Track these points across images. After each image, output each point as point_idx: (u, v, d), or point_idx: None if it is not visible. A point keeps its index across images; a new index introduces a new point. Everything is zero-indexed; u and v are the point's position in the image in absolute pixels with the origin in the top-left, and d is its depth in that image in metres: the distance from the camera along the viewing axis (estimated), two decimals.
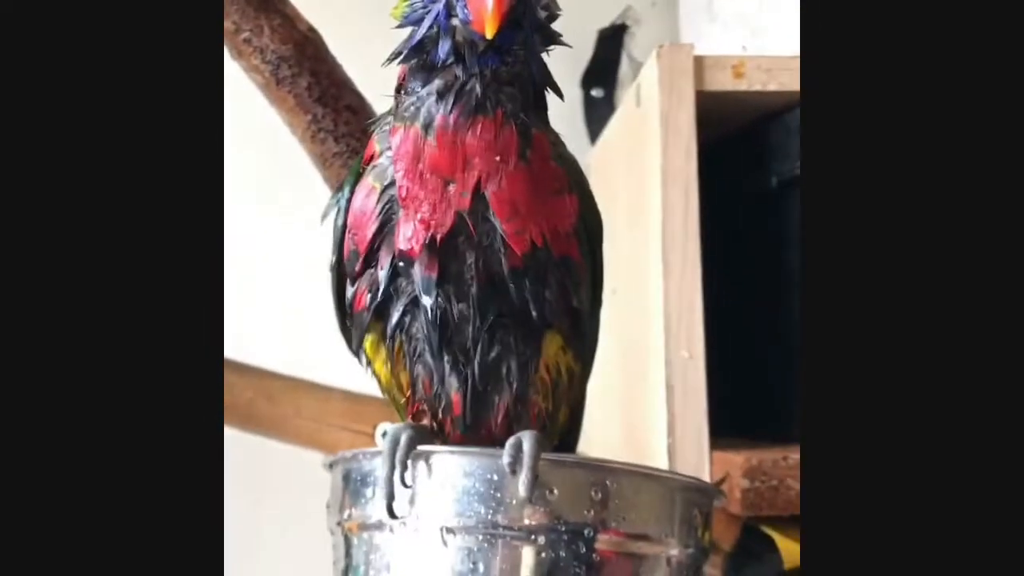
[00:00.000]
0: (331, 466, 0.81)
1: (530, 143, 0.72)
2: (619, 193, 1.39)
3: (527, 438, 0.69)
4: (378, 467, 0.73)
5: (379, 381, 0.80)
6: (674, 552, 0.73)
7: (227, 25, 1.07)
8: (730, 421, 1.16)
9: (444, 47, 0.71)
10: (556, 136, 0.77)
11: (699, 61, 1.19)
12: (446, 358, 0.74)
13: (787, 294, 1.23)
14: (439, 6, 0.72)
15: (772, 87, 1.20)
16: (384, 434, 1.20)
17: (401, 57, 0.75)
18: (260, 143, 1.45)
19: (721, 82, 1.20)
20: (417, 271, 0.72)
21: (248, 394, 1.19)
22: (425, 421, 0.77)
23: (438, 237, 0.71)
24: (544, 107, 0.76)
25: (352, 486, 0.75)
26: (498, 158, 0.71)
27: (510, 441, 0.69)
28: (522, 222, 0.72)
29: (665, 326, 1.13)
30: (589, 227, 0.78)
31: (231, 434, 1.26)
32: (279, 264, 1.82)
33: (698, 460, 1.09)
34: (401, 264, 0.73)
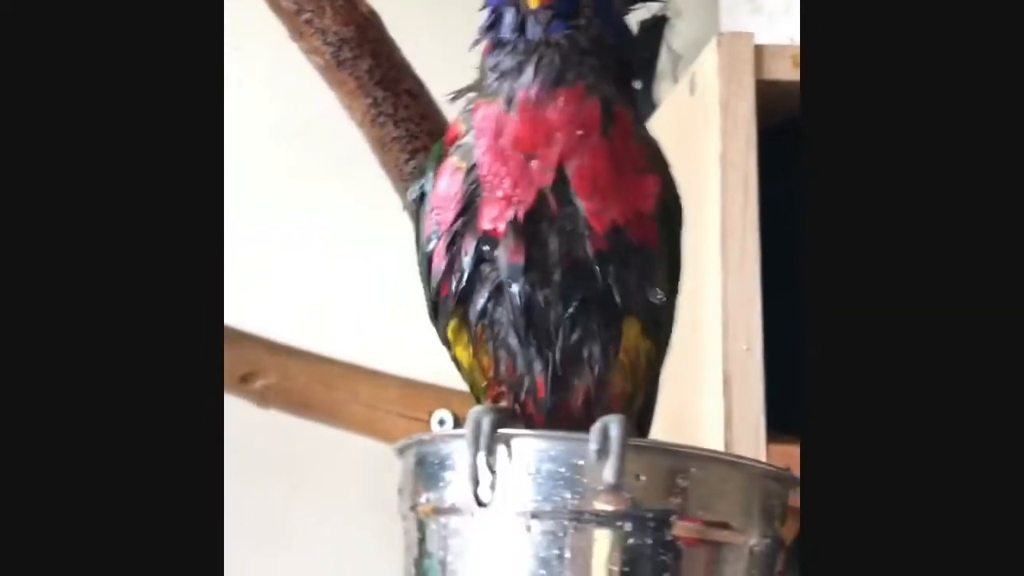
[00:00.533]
0: (402, 451, 0.80)
1: (612, 119, 0.71)
2: None
3: (614, 423, 0.68)
4: (457, 451, 0.72)
5: (460, 365, 0.80)
6: (754, 542, 0.73)
7: (288, 5, 1.07)
8: (783, 416, 1.15)
9: (508, 20, 0.71)
10: (638, 115, 0.76)
11: (759, 50, 1.18)
12: (531, 342, 0.73)
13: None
14: None
15: None
16: (441, 421, 1.20)
17: (476, 38, 0.75)
18: (320, 131, 1.45)
19: (781, 71, 1.19)
20: (503, 257, 0.72)
21: (303, 379, 1.19)
22: (505, 403, 0.77)
23: (520, 214, 0.70)
24: (628, 81, 0.75)
25: (429, 470, 0.74)
26: (580, 132, 0.70)
27: (596, 426, 0.68)
28: (603, 200, 0.71)
29: (723, 318, 1.12)
30: (670, 212, 0.77)
31: (265, 420, 1.27)
32: (336, 251, 1.83)
33: (755, 454, 1.08)
34: (486, 248, 0.72)
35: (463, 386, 1.15)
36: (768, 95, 1.18)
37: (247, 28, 1.35)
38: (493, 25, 0.73)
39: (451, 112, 1.22)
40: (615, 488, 0.67)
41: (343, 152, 1.36)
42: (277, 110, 1.78)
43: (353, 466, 1.64)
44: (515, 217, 0.71)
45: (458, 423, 1.21)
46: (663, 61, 2.06)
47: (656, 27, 2.07)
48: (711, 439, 1.11)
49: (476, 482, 0.69)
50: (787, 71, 1.18)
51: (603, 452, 0.67)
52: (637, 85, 2.30)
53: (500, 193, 0.71)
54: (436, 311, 0.78)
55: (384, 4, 1.14)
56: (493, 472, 0.69)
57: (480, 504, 0.69)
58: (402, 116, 1.09)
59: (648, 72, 2.09)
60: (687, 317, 1.26)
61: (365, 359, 1.25)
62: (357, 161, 1.22)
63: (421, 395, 1.17)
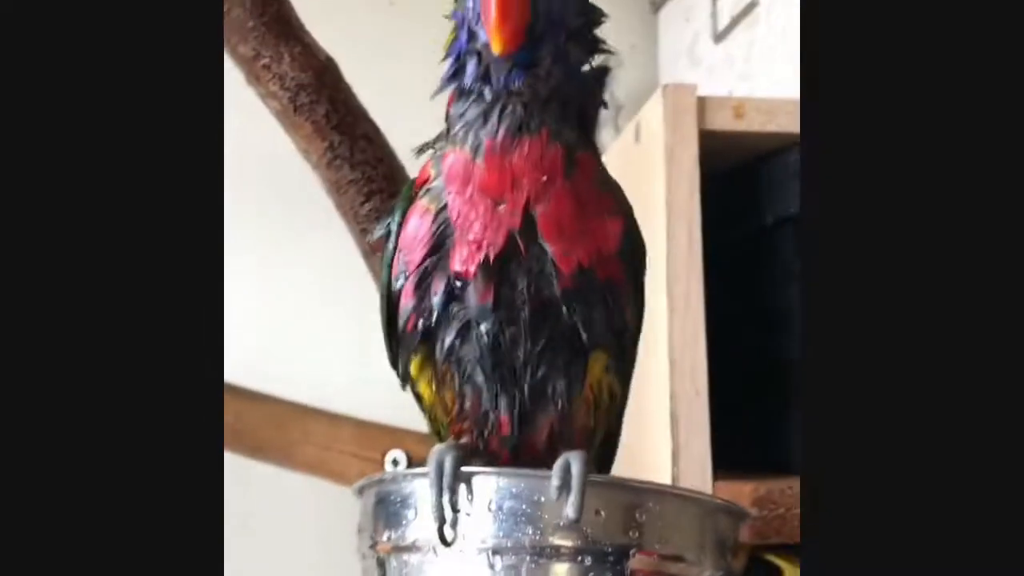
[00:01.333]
0: (362, 490, 0.80)
1: (575, 164, 0.73)
2: None
3: (575, 459, 0.70)
4: (418, 489, 0.73)
5: (421, 401, 0.81)
6: (708, 574, 0.74)
7: (246, 51, 1.08)
8: (726, 455, 1.18)
9: (470, 70, 0.73)
10: (601, 162, 0.79)
11: (702, 101, 1.22)
12: (497, 379, 0.74)
13: (781, 330, 1.26)
14: (463, 31, 0.74)
15: (771, 128, 1.24)
16: (395, 461, 1.20)
17: (439, 86, 0.77)
18: (269, 169, 1.45)
19: (722, 122, 1.23)
20: (472, 297, 0.73)
21: (256, 420, 1.18)
22: (466, 440, 0.78)
23: (491, 257, 0.72)
24: (589, 126, 0.77)
25: (390, 508, 0.75)
26: (544, 178, 0.72)
27: (558, 463, 0.70)
28: (568, 243, 0.73)
29: (670, 360, 1.16)
30: (634, 251, 0.79)
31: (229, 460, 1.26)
32: (290, 291, 1.82)
33: (702, 489, 1.11)
34: (457, 285, 0.74)
35: (417, 426, 1.16)
36: (710, 144, 1.22)
37: None
38: (456, 74, 0.75)
39: (405, 155, 1.25)
40: (576, 523, 0.68)
41: (297, 194, 1.37)
42: (235, 152, 1.78)
43: (303, 506, 1.63)
44: (486, 259, 0.72)
45: (412, 463, 1.21)
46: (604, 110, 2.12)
47: (598, 77, 2.13)
48: (660, 476, 1.14)
49: (443, 520, 0.70)
50: (728, 121, 1.23)
51: (564, 488, 0.68)
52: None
53: (471, 236, 0.72)
54: (397, 346, 0.79)
55: (340, 51, 1.17)
56: (456, 510, 0.70)
57: (445, 543, 0.70)
58: (358, 160, 1.11)
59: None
60: (636, 360, 1.30)
61: (318, 400, 1.25)
62: (311, 204, 1.23)
63: (375, 435, 1.17)
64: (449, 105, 0.77)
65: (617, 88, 2.11)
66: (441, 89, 0.77)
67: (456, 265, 0.73)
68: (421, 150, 0.80)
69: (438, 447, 0.75)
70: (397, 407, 1.00)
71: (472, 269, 0.73)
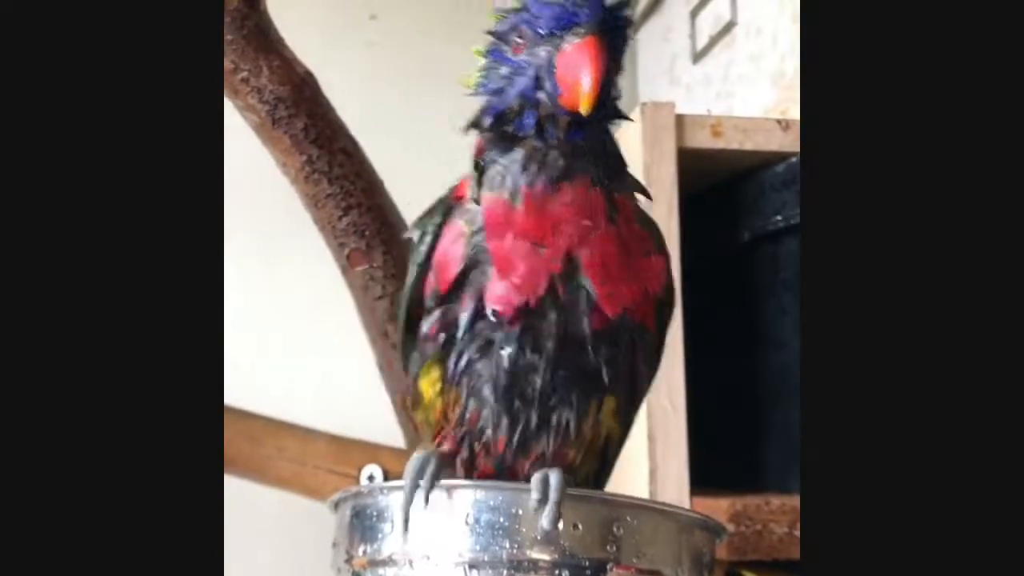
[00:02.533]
0: (337, 504, 0.80)
1: (616, 206, 0.73)
2: None
3: (554, 474, 0.69)
4: (394, 503, 0.73)
5: (418, 396, 0.80)
6: None
7: (225, 64, 1.07)
8: (704, 471, 1.18)
9: (530, 120, 0.71)
10: (635, 200, 0.78)
11: (680, 119, 1.23)
12: (505, 402, 0.74)
13: (758, 345, 1.27)
14: (525, 79, 0.71)
15: (748, 146, 1.25)
16: (371, 477, 1.19)
17: (482, 128, 0.74)
18: (247, 182, 1.44)
19: (700, 140, 1.24)
20: (501, 324, 0.73)
21: (229, 435, 1.17)
22: (448, 447, 0.77)
23: (531, 302, 0.72)
24: (623, 170, 0.76)
25: (366, 522, 0.74)
26: (587, 222, 0.71)
27: (536, 476, 0.69)
28: (614, 284, 0.73)
29: None
30: (668, 298, 0.79)
31: None
32: (265, 307, 1.81)
33: (679, 504, 1.11)
34: (490, 315, 0.73)
35: (392, 441, 1.16)
36: (689, 162, 1.23)
37: None
38: (503, 116, 0.73)
39: (383, 169, 1.25)
40: (552, 537, 0.68)
41: (272, 211, 1.37)
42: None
43: (273, 521, 1.62)
44: (526, 303, 0.72)
45: (388, 478, 1.20)
46: None
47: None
48: (638, 491, 1.14)
49: (405, 525, 0.70)
50: (706, 139, 1.24)
51: (542, 500, 0.68)
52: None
53: (512, 279, 0.72)
54: (412, 341, 0.79)
55: (318, 66, 1.17)
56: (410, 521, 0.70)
57: (406, 547, 0.69)
58: (336, 174, 1.11)
59: None
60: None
61: (293, 415, 1.24)
62: (286, 219, 1.23)
63: (350, 450, 1.16)
64: (480, 146, 0.75)
65: None
66: (485, 131, 0.74)
67: (492, 301, 0.73)
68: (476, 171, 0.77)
69: (418, 454, 0.74)
70: (373, 422, 0.99)
71: (510, 312, 0.72)
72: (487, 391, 0.74)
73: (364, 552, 0.74)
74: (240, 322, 1.79)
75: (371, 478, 1.13)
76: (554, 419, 0.75)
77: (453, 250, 0.75)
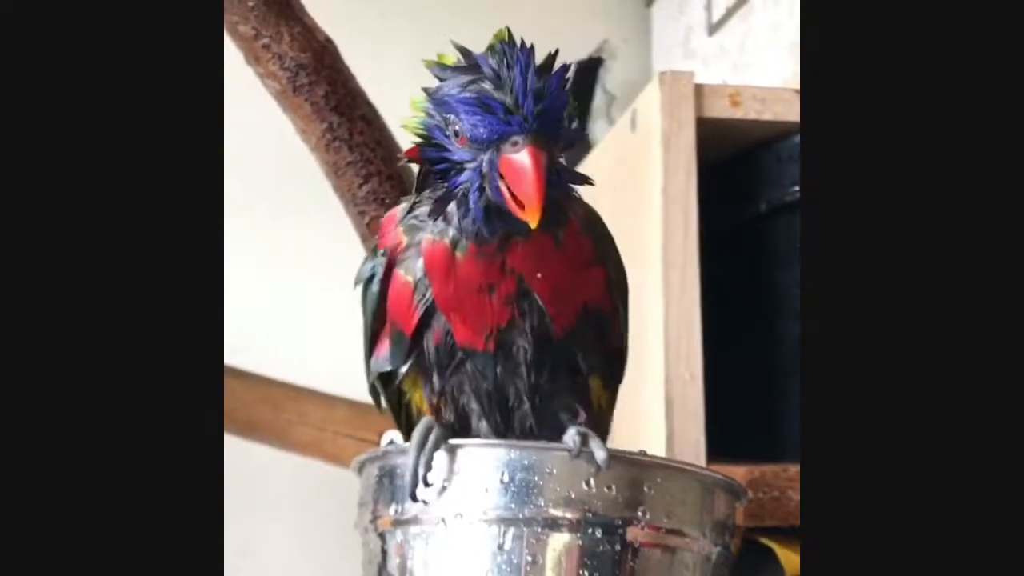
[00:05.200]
0: (363, 465, 0.81)
1: (563, 227, 0.75)
2: (609, 217, 1.42)
3: (583, 427, 0.72)
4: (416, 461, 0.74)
5: (409, 409, 0.83)
6: (710, 549, 0.75)
7: (246, 31, 1.08)
8: (721, 440, 1.19)
9: (478, 212, 0.71)
10: (576, 194, 0.78)
11: (699, 89, 1.23)
12: (493, 410, 0.77)
13: (775, 316, 1.27)
14: (470, 176, 0.71)
15: (766, 116, 1.25)
16: (391, 442, 1.20)
17: (430, 208, 0.74)
18: (268, 150, 1.45)
19: (719, 109, 1.24)
20: (475, 352, 0.76)
21: (250, 401, 1.17)
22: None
23: (494, 332, 0.74)
24: (569, 182, 0.76)
25: (396, 482, 0.75)
26: (536, 262, 0.74)
27: (568, 431, 0.71)
28: (562, 303, 0.75)
29: (665, 345, 1.16)
30: (617, 278, 0.82)
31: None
32: (286, 273, 1.82)
33: None
34: (460, 350, 0.76)
35: None
36: (707, 132, 1.23)
37: None
38: (449, 194, 0.72)
39: (402, 138, 1.24)
40: (605, 473, 0.69)
41: (295, 176, 1.37)
42: (236, 132, 1.78)
43: (286, 484, 1.64)
44: (490, 334, 0.74)
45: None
46: (598, 101, 2.13)
47: (591, 69, 2.14)
48: None
49: (415, 482, 0.71)
50: (725, 109, 1.24)
51: (584, 449, 0.70)
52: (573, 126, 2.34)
53: (467, 320, 0.74)
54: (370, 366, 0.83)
55: (338, 33, 1.16)
56: (428, 484, 0.72)
57: (415, 500, 0.71)
58: (357, 141, 1.11)
59: (583, 112, 2.15)
60: (632, 345, 1.30)
61: (313, 381, 1.25)
62: (307, 185, 1.23)
63: (370, 416, 1.17)
64: (421, 179, 0.76)
65: (610, 81, 2.12)
66: (433, 212, 0.74)
67: (460, 340, 0.75)
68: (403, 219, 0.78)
69: (426, 419, 0.76)
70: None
71: (480, 344, 0.75)
72: (472, 403, 0.77)
73: (395, 511, 0.75)
74: (262, 289, 1.81)
75: (391, 443, 1.14)
76: (558, 409, 0.78)
77: (402, 296, 0.77)
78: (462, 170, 0.71)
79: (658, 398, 1.16)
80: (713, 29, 1.81)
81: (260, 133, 1.30)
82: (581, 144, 1.98)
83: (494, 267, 0.73)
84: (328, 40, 1.12)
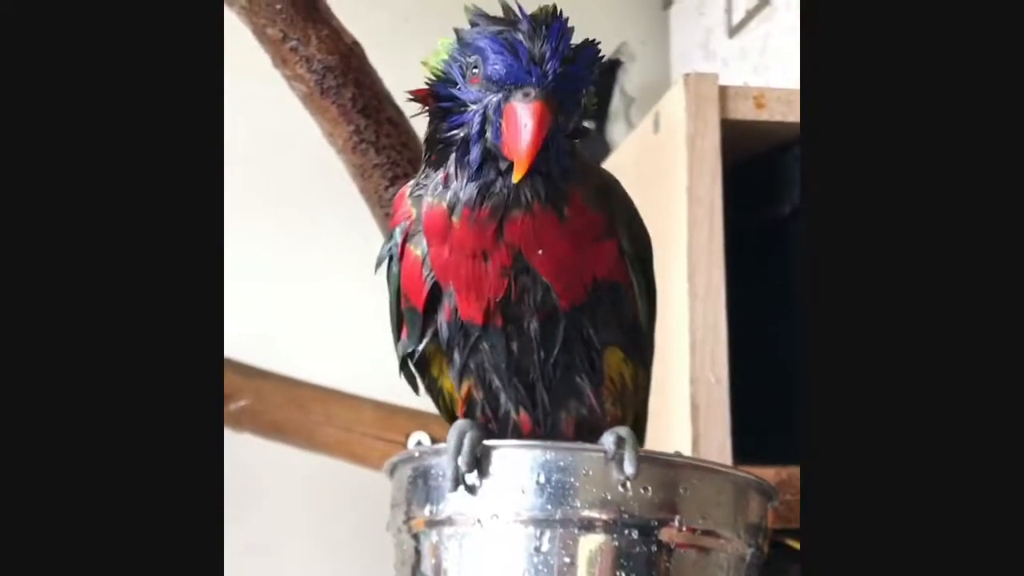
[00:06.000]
0: (395, 466, 0.81)
1: (566, 202, 0.73)
2: None
3: (623, 429, 0.72)
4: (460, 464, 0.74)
5: (443, 396, 0.83)
6: (742, 551, 0.76)
7: (274, 33, 1.08)
8: (748, 443, 1.18)
9: (475, 154, 0.71)
10: (588, 165, 0.78)
11: (723, 91, 1.23)
12: (514, 386, 0.76)
13: (799, 318, 1.26)
14: (475, 115, 0.70)
15: (791, 118, 1.25)
16: (418, 443, 1.20)
17: (430, 148, 0.75)
18: (297, 153, 1.45)
19: (743, 111, 1.24)
20: (480, 328, 0.75)
21: (278, 402, 1.18)
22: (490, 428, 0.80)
23: (492, 303, 0.74)
24: (574, 160, 0.75)
25: (431, 483, 0.75)
26: (536, 238, 0.72)
27: (607, 433, 0.71)
28: (567, 278, 0.74)
29: (690, 347, 1.16)
30: (637, 246, 0.80)
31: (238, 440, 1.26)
32: (313, 273, 1.83)
33: None
34: (463, 324, 0.76)
35: None
36: (731, 134, 1.23)
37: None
38: (452, 140, 0.71)
39: None
40: (631, 482, 0.69)
41: (323, 178, 1.37)
42: (257, 134, 1.79)
43: (304, 485, 1.65)
44: (488, 306, 0.74)
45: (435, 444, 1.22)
46: (616, 104, 2.13)
47: (609, 71, 2.14)
48: None
49: (456, 481, 0.72)
50: (749, 111, 1.24)
51: (619, 453, 0.70)
52: (590, 125, 2.36)
53: (464, 287, 0.74)
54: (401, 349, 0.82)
55: (359, 38, 1.17)
56: (468, 486, 0.72)
57: (457, 485, 0.71)
58: (384, 144, 1.11)
59: (601, 114, 2.15)
60: (657, 346, 1.30)
61: (341, 383, 1.25)
62: (336, 187, 1.23)
63: (397, 417, 1.18)
64: (430, 136, 0.76)
65: (628, 83, 2.11)
66: (435, 147, 0.74)
67: (462, 314, 0.75)
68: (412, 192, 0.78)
69: (460, 421, 0.76)
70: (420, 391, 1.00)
71: (478, 317, 0.74)
72: (495, 382, 0.77)
73: (430, 512, 0.75)
74: (290, 292, 1.81)
75: (419, 444, 1.14)
76: (571, 386, 0.77)
77: (412, 272, 0.77)
78: (466, 110, 0.71)
79: (683, 401, 1.16)
80: (733, 31, 1.81)
81: (289, 137, 1.31)
82: (602, 145, 1.98)
83: (487, 234, 0.71)
84: (355, 43, 1.12)
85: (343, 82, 1.10)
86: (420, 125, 1.23)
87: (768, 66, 1.67)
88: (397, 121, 1.13)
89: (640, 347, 0.82)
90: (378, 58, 1.18)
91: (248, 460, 1.54)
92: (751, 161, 1.33)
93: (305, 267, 1.85)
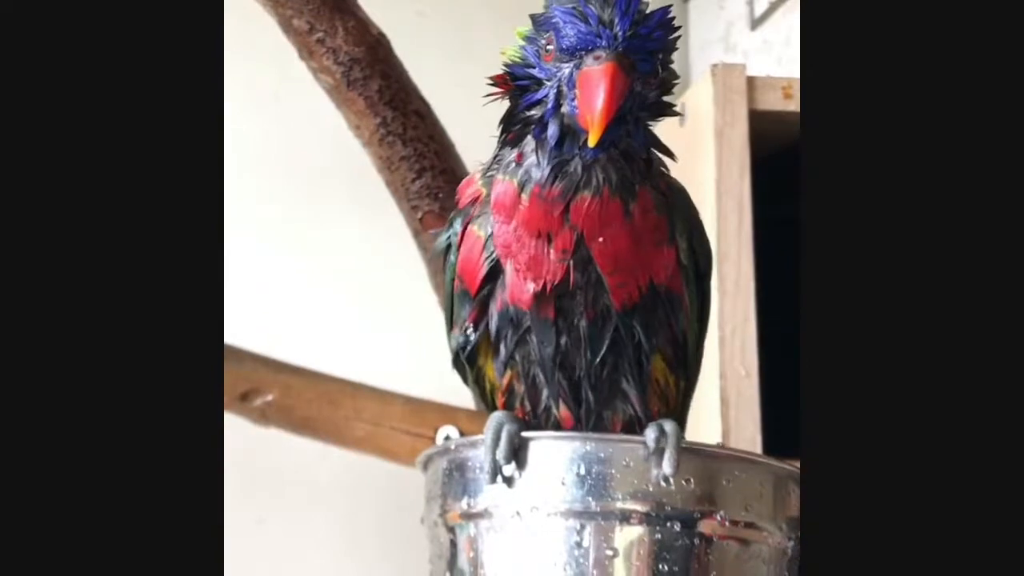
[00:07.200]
0: (429, 459, 0.80)
1: (634, 198, 0.73)
2: None
3: (667, 423, 0.70)
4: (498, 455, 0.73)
5: (487, 385, 0.81)
6: (783, 544, 0.75)
7: (300, 24, 1.08)
8: (778, 436, 1.17)
9: (552, 130, 0.71)
10: (659, 169, 0.77)
11: (751, 81, 1.22)
12: (557, 382, 0.75)
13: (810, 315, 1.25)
14: (550, 90, 0.71)
15: None
16: (447, 438, 1.20)
17: (507, 129, 0.74)
18: (324, 150, 1.45)
19: (771, 102, 1.23)
20: (530, 316, 0.74)
21: (307, 397, 1.18)
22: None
23: (548, 288, 0.73)
24: (649, 158, 0.75)
25: (468, 475, 0.75)
26: (601, 236, 0.72)
27: (650, 427, 0.70)
28: (623, 276, 0.73)
29: (720, 341, 1.15)
30: (697, 259, 0.79)
31: (254, 433, 1.26)
32: (342, 269, 1.83)
33: None
34: (514, 308, 0.75)
35: (468, 403, 1.16)
36: (759, 125, 1.22)
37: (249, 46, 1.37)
38: (527, 119, 0.72)
39: (455, 133, 1.24)
40: (672, 479, 0.68)
41: (347, 173, 1.37)
42: (282, 129, 1.79)
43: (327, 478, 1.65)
44: (543, 289, 0.73)
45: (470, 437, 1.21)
46: None
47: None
48: None
49: (494, 473, 0.71)
50: (778, 101, 1.23)
51: (659, 448, 0.69)
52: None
53: (522, 268, 0.73)
54: (456, 340, 0.81)
55: (390, 28, 1.16)
56: (506, 478, 0.71)
57: (496, 477, 0.71)
58: (410, 136, 1.11)
59: None
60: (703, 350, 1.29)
61: (369, 377, 1.25)
62: (361, 183, 1.23)
63: (426, 412, 1.17)
64: (509, 118, 0.75)
65: None
66: (506, 129, 0.74)
67: (513, 296, 0.74)
68: (484, 170, 0.78)
69: (497, 413, 0.75)
70: (448, 385, 1.00)
71: (528, 300, 0.73)
72: (539, 376, 0.76)
73: (468, 505, 0.74)
74: (319, 288, 1.81)
75: (447, 439, 1.14)
76: (617, 387, 0.76)
77: (471, 253, 0.77)
78: (541, 87, 0.71)
79: (713, 394, 1.15)
80: (756, 24, 1.80)
81: (318, 132, 1.31)
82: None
83: (554, 214, 0.71)
84: (381, 34, 1.12)
85: (370, 74, 1.09)
86: (446, 118, 1.23)
87: (793, 58, 1.65)
88: (424, 113, 1.12)
89: (683, 362, 0.81)
90: (397, 51, 1.18)
91: (277, 457, 1.55)
92: (780, 152, 1.32)
93: (336, 262, 1.85)
